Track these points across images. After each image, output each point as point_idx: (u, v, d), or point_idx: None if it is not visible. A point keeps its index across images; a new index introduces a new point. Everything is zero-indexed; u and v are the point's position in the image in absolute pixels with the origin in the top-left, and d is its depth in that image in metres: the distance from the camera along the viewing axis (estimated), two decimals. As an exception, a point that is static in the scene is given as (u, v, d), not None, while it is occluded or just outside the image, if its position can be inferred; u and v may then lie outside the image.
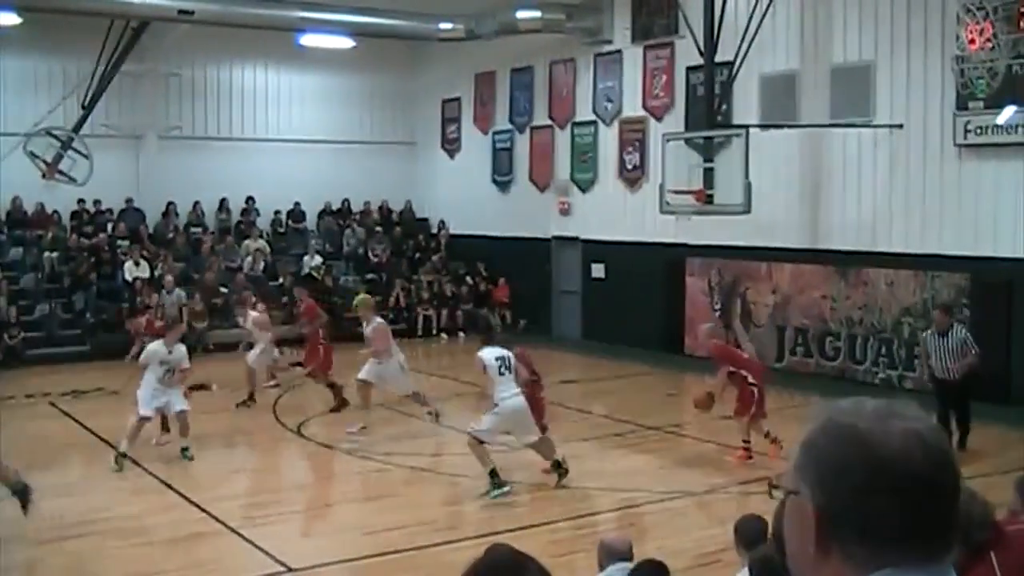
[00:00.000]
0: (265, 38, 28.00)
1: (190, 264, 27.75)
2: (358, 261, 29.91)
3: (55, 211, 27.81)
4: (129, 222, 28.39)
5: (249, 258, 28.34)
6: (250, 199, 30.20)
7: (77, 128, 25.61)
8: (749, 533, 6.75)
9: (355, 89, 31.61)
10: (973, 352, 14.33)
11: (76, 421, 17.74)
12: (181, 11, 23.34)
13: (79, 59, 26.35)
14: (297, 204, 30.64)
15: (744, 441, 14.54)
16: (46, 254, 26.77)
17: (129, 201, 28.89)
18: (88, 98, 25.53)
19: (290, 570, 10.27)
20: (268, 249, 29.12)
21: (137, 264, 26.38)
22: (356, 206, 31.53)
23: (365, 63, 30.55)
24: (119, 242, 27.58)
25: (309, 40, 27.38)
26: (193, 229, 29.31)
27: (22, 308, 24.84)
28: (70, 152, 25.19)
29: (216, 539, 11.33)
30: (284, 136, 30.73)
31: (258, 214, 30.38)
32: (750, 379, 14.45)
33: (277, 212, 30.59)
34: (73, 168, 25.20)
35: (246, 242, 28.93)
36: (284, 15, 25.25)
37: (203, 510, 12.22)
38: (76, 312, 25.60)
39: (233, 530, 11.48)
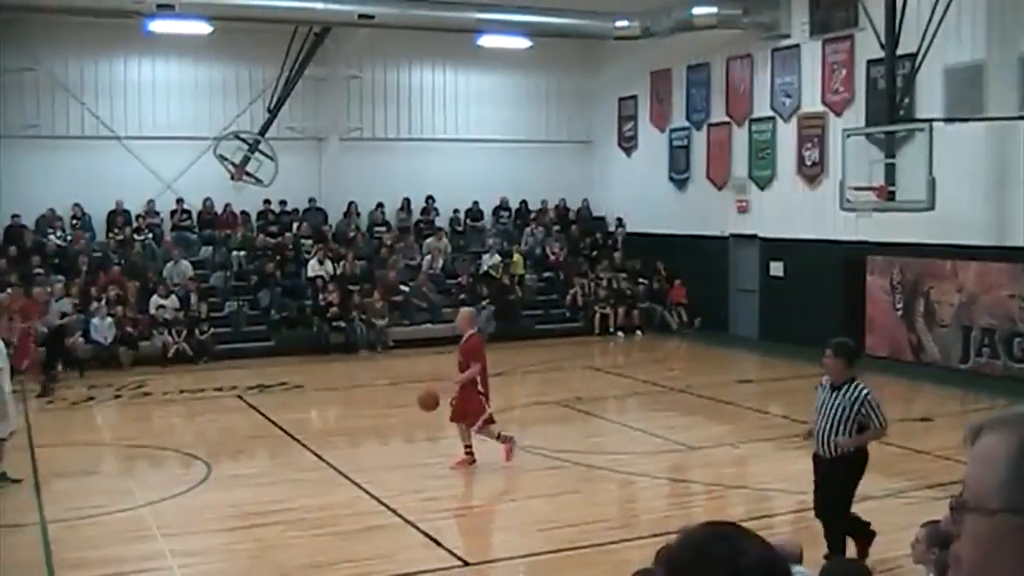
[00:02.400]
0: (443, 40, 28.40)
1: (371, 262, 28.30)
2: (536, 260, 30.09)
3: (243, 211, 28.69)
4: (312, 222, 29.12)
5: (428, 256, 28.77)
6: (430, 198, 30.65)
7: (263, 131, 26.44)
8: None
9: (532, 89, 31.81)
10: (874, 424, 9.66)
11: (261, 414, 18.28)
12: (362, 16, 23.85)
13: (265, 65, 27.25)
14: (476, 203, 31.02)
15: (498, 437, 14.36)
16: (234, 253, 27.66)
17: (312, 201, 29.65)
18: (273, 102, 26.34)
19: (466, 564, 10.41)
20: (448, 248, 29.52)
21: (320, 262, 27.03)
22: (533, 205, 31.71)
23: (542, 63, 30.74)
24: (303, 241, 28.30)
25: (487, 41, 27.67)
26: (377, 228, 29.87)
27: (212, 305, 25.68)
28: (256, 154, 26.04)
29: (394, 532, 11.54)
30: (462, 136, 31.12)
31: (437, 213, 30.82)
32: (480, 387, 14.04)
33: (456, 211, 30.98)
34: (259, 170, 26.05)
35: (426, 240, 29.38)
36: (462, 17, 25.54)
37: (382, 503, 12.47)
38: (262, 309, 26.36)
39: (411, 524, 11.67)
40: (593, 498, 13.00)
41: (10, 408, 13.52)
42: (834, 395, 9.62)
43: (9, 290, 22.29)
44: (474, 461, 14.20)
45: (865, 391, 9.54)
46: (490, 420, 14.14)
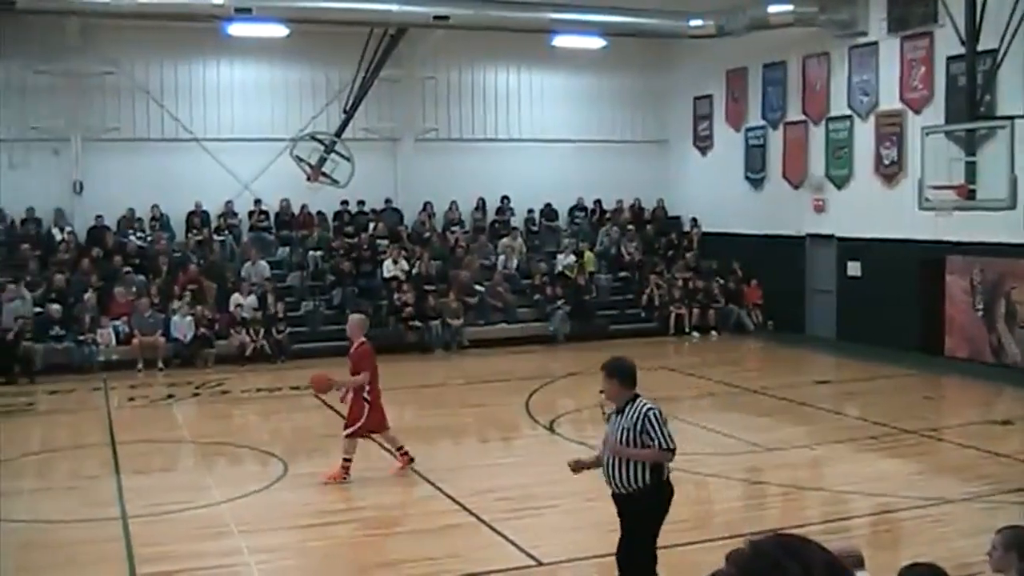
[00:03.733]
0: (517, 40, 28.44)
1: (446, 262, 28.41)
2: (611, 260, 30.04)
3: (319, 212, 28.94)
4: (388, 222, 29.30)
5: (503, 256, 28.83)
6: (505, 198, 30.73)
7: (339, 132, 26.66)
8: None
9: (606, 88, 31.75)
10: (657, 443, 8.34)
11: (337, 412, 18.38)
12: (436, 17, 23.97)
13: (341, 67, 27.47)
14: (548, 204, 31.04)
15: (398, 448, 14.17)
16: (311, 253, 27.91)
17: (388, 201, 29.85)
18: (349, 103, 26.54)
19: (540, 564, 10.42)
20: (523, 248, 29.56)
21: (395, 262, 27.19)
22: (608, 205, 31.66)
23: (615, 62, 30.69)
24: (378, 241, 28.49)
25: (561, 41, 27.68)
26: (452, 228, 29.99)
27: (289, 305, 25.92)
28: (333, 156, 26.25)
29: (467, 531, 11.59)
30: (537, 136, 31.14)
31: (513, 213, 30.89)
32: (366, 394, 13.74)
33: (530, 211, 31.02)
34: (335, 171, 26.26)
35: (501, 240, 29.45)
36: (536, 17, 25.57)
37: (456, 502, 12.52)
38: (337, 308, 26.55)
39: (485, 523, 11.71)
40: (667, 499, 12.94)
41: None
42: (617, 419, 8.50)
43: None
44: (411, 460, 14.09)
45: (647, 407, 8.42)
46: (363, 433, 13.83)
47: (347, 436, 13.60)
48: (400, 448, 14.11)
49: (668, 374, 23.00)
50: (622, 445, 8.34)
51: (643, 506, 8.51)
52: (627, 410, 8.42)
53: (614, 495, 8.63)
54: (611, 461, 8.48)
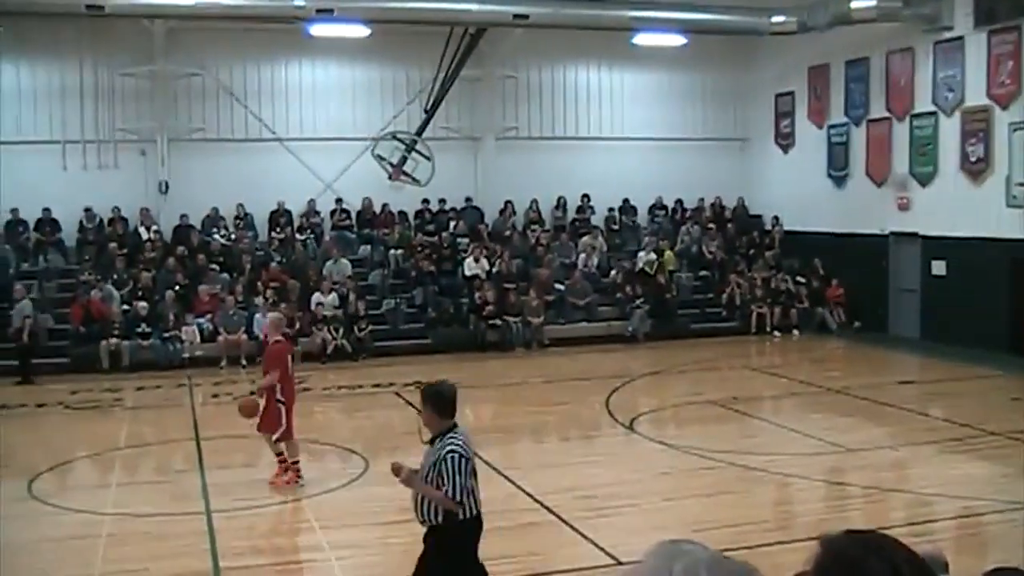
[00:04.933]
0: (598, 39, 28.42)
1: (527, 261, 28.44)
2: (692, 259, 29.87)
3: (400, 211, 29.11)
4: (468, 220, 29.40)
5: (583, 254, 28.79)
6: (585, 196, 30.68)
7: (420, 132, 26.78)
8: None
9: (686, 86, 31.59)
10: (446, 489, 7.59)
11: (417, 410, 18.44)
12: (516, 16, 24.01)
13: (421, 66, 27.62)
14: (626, 200, 30.93)
15: (278, 455, 13.70)
16: (392, 252, 28.08)
17: (468, 200, 29.95)
18: (430, 103, 26.64)
19: (620, 563, 10.38)
20: (604, 246, 29.50)
21: (476, 261, 27.27)
22: (689, 203, 31.49)
23: (696, 60, 30.52)
24: (459, 240, 28.59)
25: (642, 39, 27.58)
26: (532, 227, 30.00)
27: (370, 303, 26.11)
28: (414, 155, 26.37)
29: (548, 529, 11.59)
30: (617, 135, 31.06)
31: (593, 211, 30.84)
32: (279, 396, 13.35)
33: (611, 209, 30.95)
34: (416, 170, 26.38)
35: (582, 239, 29.40)
36: (617, 15, 25.52)
37: (537, 500, 12.53)
38: (418, 307, 26.70)
39: (565, 522, 11.70)
40: (749, 499, 12.86)
41: None
42: (428, 450, 7.85)
43: None
44: (298, 475, 13.66)
45: (450, 448, 7.61)
46: (291, 435, 13.59)
47: (276, 441, 13.47)
48: (296, 462, 13.72)
49: (750, 374, 22.87)
50: (420, 477, 7.72)
51: (437, 543, 7.83)
52: (437, 442, 7.72)
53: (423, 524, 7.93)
54: (414, 495, 7.88)
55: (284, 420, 13.31)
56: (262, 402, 13.41)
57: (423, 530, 11.36)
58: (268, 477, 13.78)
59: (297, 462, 13.61)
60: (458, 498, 7.57)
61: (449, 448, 7.59)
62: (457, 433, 7.73)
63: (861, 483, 13.41)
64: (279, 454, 13.61)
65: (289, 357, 13.70)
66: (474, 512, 7.80)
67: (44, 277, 26.07)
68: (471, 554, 7.91)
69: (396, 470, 7.95)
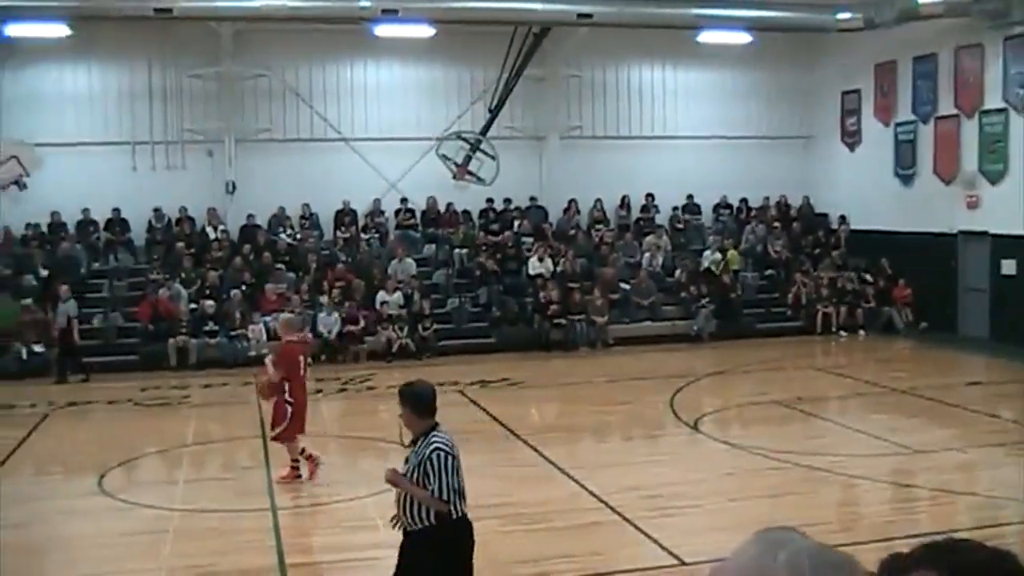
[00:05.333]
0: (662, 37, 28.33)
1: (591, 260, 28.41)
2: (757, 258, 29.68)
3: (465, 210, 29.19)
4: (533, 219, 29.41)
5: (648, 254, 28.71)
6: (649, 195, 30.59)
7: (484, 131, 26.82)
8: None
9: (751, 84, 31.34)
10: (433, 489, 7.34)
11: (481, 409, 18.57)
12: (580, 15, 23.97)
13: (486, 66, 27.65)
14: (690, 197, 30.77)
15: (294, 461, 13.80)
16: (456, 251, 28.16)
17: (533, 199, 29.95)
18: (494, 102, 26.67)
19: (683, 564, 10.35)
20: (668, 245, 29.40)
21: (540, 260, 27.27)
22: (754, 202, 31.29)
23: (761, 57, 30.26)
24: (523, 239, 28.62)
25: (707, 37, 27.45)
26: (596, 226, 29.94)
27: (434, 302, 26.20)
28: (478, 154, 26.41)
29: (611, 529, 11.58)
30: (682, 133, 30.92)
31: (657, 210, 30.73)
32: (288, 396, 13.47)
33: (675, 208, 30.83)
34: (481, 169, 26.42)
35: (646, 238, 29.32)
36: (681, 14, 25.40)
37: (600, 500, 12.51)
38: (483, 306, 26.76)
39: (629, 521, 11.68)
40: (813, 500, 12.77)
41: None
42: (411, 452, 7.61)
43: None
44: (298, 476, 13.84)
45: (435, 446, 7.37)
46: (291, 437, 13.69)
47: (274, 438, 13.71)
48: (296, 462, 13.87)
49: (815, 374, 22.71)
50: (405, 477, 7.45)
51: (423, 550, 7.50)
52: (420, 443, 7.48)
53: (405, 532, 7.63)
54: (399, 497, 7.59)
55: (288, 420, 13.46)
56: (262, 389, 13.83)
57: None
58: (337, 476, 13.87)
59: (297, 462, 13.72)
60: (446, 496, 7.29)
61: (434, 446, 7.36)
62: (440, 432, 7.52)
63: (927, 485, 13.28)
64: (294, 460, 13.82)
65: (302, 359, 13.86)
66: (461, 512, 7.49)
67: (114, 276, 26.47)
68: (466, 558, 7.60)
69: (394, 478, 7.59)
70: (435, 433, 7.47)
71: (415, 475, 7.35)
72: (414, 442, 7.54)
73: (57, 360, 22.99)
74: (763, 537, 2.15)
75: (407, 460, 7.56)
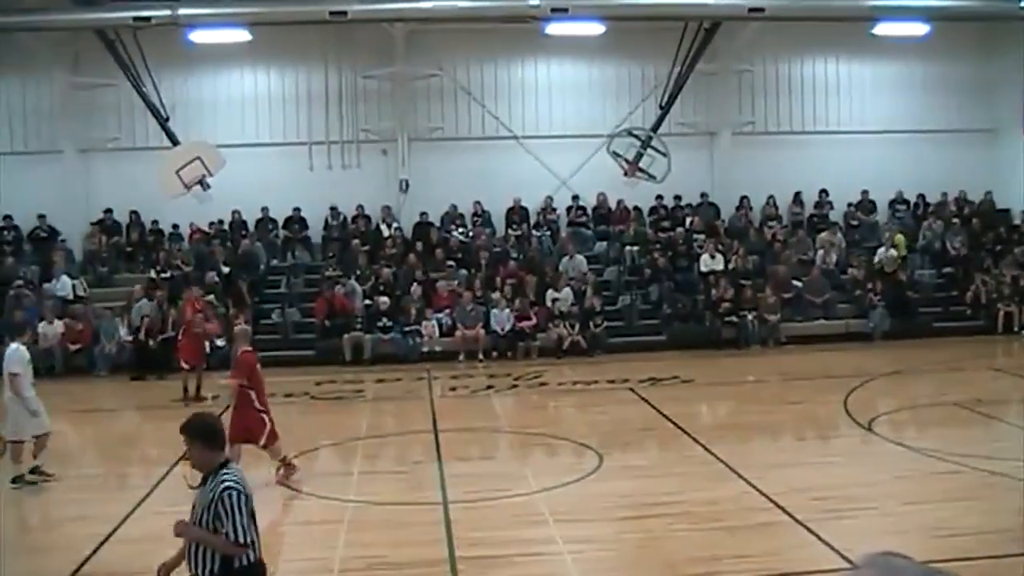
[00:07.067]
0: (835, 30, 27.82)
1: (763, 257, 28.07)
2: (934, 255, 28.90)
3: (635, 207, 29.13)
4: (704, 216, 29.19)
5: (821, 251, 28.22)
6: (823, 192, 30.07)
7: (655, 128, 26.73)
8: None
9: (929, 76, 30.50)
10: (227, 532, 6.45)
11: (652, 407, 18.52)
12: (752, 9, 23.62)
13: (656, 62, 27.59)
14: (865, 193, 30.10)
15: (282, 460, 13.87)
16: (627, 248, 28.13)
17: (704, 196, 29.74)
18: (665, 99, 26.54)
19: (856, 568, 10.13)
20: (842, 242, 28.85)
21: (712, 257, 27.06)
22: (931, 198, 30.46)
23: (940, 49, 29.44)
24: (695, 236, 28.42)
25: (882, 29, 26.80)
26: (769, 223, 29.56)
27: (606, 298, 26.23)
28: (649, 151, 26.31)
29: (782, 530, 11.43)
30: (856, 128, 30.30)
31: (831, 207, 30.19)
32: (257, 404, 13.24)
33: (850, 205, 30.22)
34: (652, 166, 26.32)
35: (820, 235, 28.82)
36: (856, 5, 24.82)
37: (771, 500, 12.37)
38: (653, 303, 26.67)
39: (800, 522, 11.52)
40: (994, 506, 12.35)
41: (18, 413, 14.07)
42: (198, 493, 6.69)
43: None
44: (293, 470, 13.97)
45: (226, 484, 6.50)
46: (274, 437, 13.67)
47: (263, 448, 13.66)
48: (285, 461, 13.98)
49: (994, 375, 22.04)
50: (194, 524, 6.59)
51: None
52: (209, 481, 6.59)
53: None
54: (187, 543, 6.72)
55: (268, 426, 13.56)
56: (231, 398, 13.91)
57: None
58: (508, 471, 13.99)
59: (285, 457, 13.91)
60: (241, 540, 6.45)
61: (224, 485, 6.49)
62: (231, 468, 6.69)
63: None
64: (282, 458, 13.95)
65: (258, 366, 13.98)
66: (253, 559, 6.65)
67: (292, 273, 27.23)
68: None
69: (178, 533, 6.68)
70: (225, 471, 6.61)
71: (204, 516, 6.51)
72: (203, 481, 6.64)
73: (134, 359, 23.98)
74: (876, 561, 2.15)
75: (194, 505, 6.68)
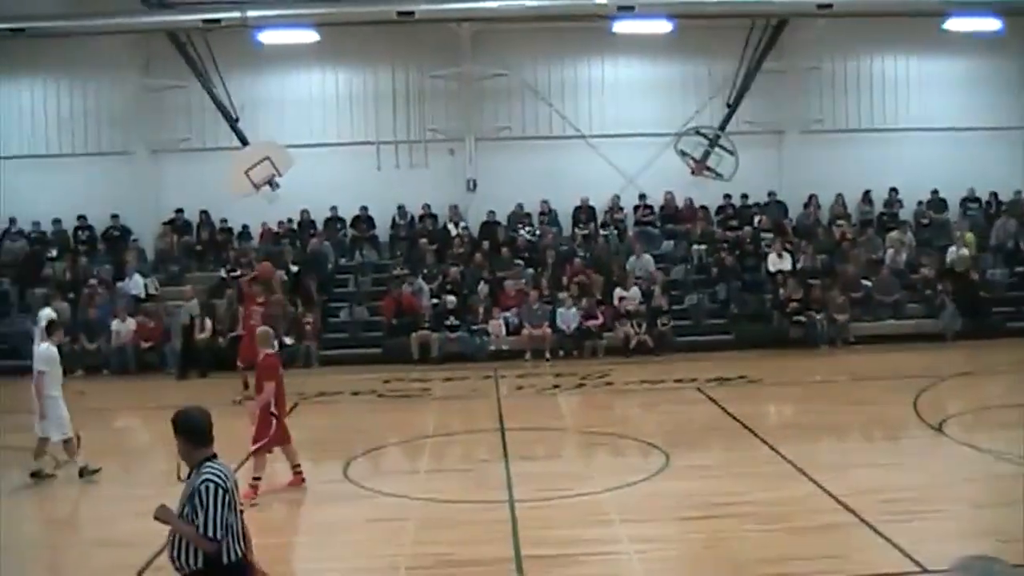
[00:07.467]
0: (905, 25, 27.44)
1: (832, 256, 27.84)
2: (1007, 254, 28.49)
3: (703, 206, 29.02)
4: (772, 215, 29.00)
5: (891, 250, 27.93)
6: (893, 190, 29.75)
7: (723, 126, 26.65)
8: None
9: (1003, 71, 29.91)
10: (199, 525, 6.36)
11: (719, 406, 18.46)
12: (820, 6, 23.42)
13: (723, 60, 27.41)
14: (935, 191, 29.72)
15: (295, 466, 13.76)
16: (694, 247, 28.04)
17: (771, 194, 29.54)
18: (732, 97, 26.43)
19: (925, 571, 10.05)
20: (912, 241, 28.52)
21: (780, 256, 26.90)
22: (1004, 196, 29.99)
23: (1014, 43, 28.92)
24: (762, 235, 28.26)
25: (954, 24, 26.43)
26: (838, 222, 29.28)
27: (673, 297, 26.17)
28: (716, 149, 26.23)
29: (850, 532, 11.34)
30: (927, 125, 29.86)
31: (901, 205, 29.86)
32: (273, 408, 13.05)
33: (920, 203, 29.88)
34: (719, 164, 26.24)
35: (890, 234, 28.51)
36: (925, 0, 24.54)
37: (839, 501, 12.28)
38: (721, 302, 26.57)
39: (868, 524, 11.42)
40: (1067, 510, 12.19)
41: (51, 411, 14.18)
42: (187, 484, 6.67)
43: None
44: (303, 481, 13.81)
45: (206, 478, 6.44)
46: (269, 449, 13.35)
47: (254, 452, 13.26)
48: (296, 466, 13.82)
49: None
50: (175, 513, 6.54)
51: None
52: (193, 475, 6.59)
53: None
54: (170, 536, 6.62)
55: (272, 430, 13.29)
56: (252, 410, 13.74)
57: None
58: (574, 470, 14.00)
59: (259, 479, 13.19)
60: (211, 534, 6.34)
61: (204, 478, 6.44)
62: (215, 463, 6.60)
63: None
64: (295, 465, 13.84)
65: (280, 370, 13.82)
66: (237, 555, 6.57)
67: (359, 272, 27.44)
68: None
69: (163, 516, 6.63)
70: (209, 464, 6.56)
71: (184, 509, 6.49)
72: (190, 475, 6.65)
73: (179, 359, 24.34)
74: (972, 565, 2.15)
75: (180, 497, 6.69)
